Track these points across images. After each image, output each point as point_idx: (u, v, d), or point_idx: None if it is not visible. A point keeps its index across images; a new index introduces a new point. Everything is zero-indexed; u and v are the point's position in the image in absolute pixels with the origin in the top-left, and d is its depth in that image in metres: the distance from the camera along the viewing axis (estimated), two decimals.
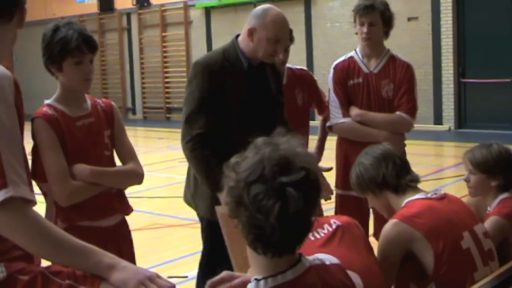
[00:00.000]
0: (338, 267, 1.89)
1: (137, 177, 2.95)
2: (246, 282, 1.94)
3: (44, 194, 2.81)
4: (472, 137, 10.52)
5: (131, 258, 2.93)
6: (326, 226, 2.19)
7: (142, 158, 3.25)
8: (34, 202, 1.78)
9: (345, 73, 3.99)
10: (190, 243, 5.62)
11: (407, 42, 12.34)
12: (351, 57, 4.03)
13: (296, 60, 9.70)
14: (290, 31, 3.64)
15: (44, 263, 1.97)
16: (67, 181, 2.71)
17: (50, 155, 2.71)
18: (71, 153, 2.75)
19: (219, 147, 3.12)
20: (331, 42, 14.00)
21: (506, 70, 12.05)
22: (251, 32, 3.20)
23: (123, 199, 3.00)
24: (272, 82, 3.41)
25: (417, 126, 4.25)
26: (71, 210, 2.74)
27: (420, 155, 9.48)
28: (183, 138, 3.21)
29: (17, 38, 1.93)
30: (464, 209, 2.60)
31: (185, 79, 17.12)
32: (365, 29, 3.87)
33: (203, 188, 3.27)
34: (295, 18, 12.96)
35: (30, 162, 2.24)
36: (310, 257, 1.82)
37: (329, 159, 4.06)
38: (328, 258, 1.89)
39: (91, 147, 2.83)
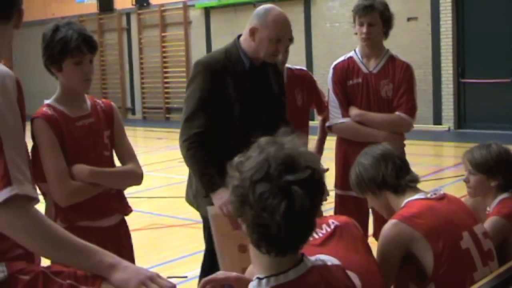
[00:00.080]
0: (339, 268, 1.90)
1: (136, 177, 2.96)
2: (242, 279, 1.95)
3: (44, 194, 2.81)
4: (471, 137, 10.52)
5: (130, 258, 2.93)
6: (324, 226, 2.19)
7: (141, 158, 3.25)
8: (37, 200, 1.80)
9: (345, 73, 3.99)
10: (190, 243, 5.62)
11: (407, 42, 12.34)
12: (351, 57, 4.04)
13: (295, 60, 9.70)
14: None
15: (44, 262, 1.97)
16: (67, 181, 2.71)
17: (50, 155, 2.71)
18: (71, 153, 2.76)
19: (220, 147, 3.13)
20: (331, 42, 14.00)
21: (506, 70, 12.06)
22: (252, 32, 3.20)
23: (123, 199, 3.00)
24: (274, 82, 3.42)
25: (416, 126, 4.25)
26: (70, 210, 2.74)
27: (419, 155, 9.48)
28: (181, 137, 3.22)
29: (17, 38, 1.94)
30: (463, 209, 2.60)
31: (184, 79, 17.13)
32: (364, 29, 3.87)
33: None
34: (294, 18, 12.94)
35: None
36: (312, 258, 1.83)
37: (328, 159, 4.06)
38: (330, 259, 1.90)
39: (91, 147, 2.83)
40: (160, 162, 10.62)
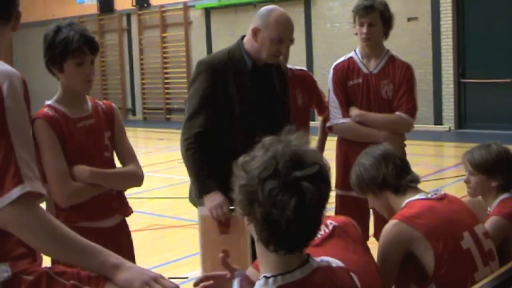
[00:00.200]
0: (344, 269, 1.90)
1: (137, 178, 2.96)
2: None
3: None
4: (472, 137, 10.52)
5: (131, 259, 2.92)
6: (322, 227, 2.19)
7: (142, 159, 3.26)
8: (45, 197, 1.83)
9: (345, 73, 3.99)
10: (191, 244, 5.61)
11: (407, 42, 12.34)
12: (351, 58, 4.04)
13: (296, 60, 9.70)
14: None
15: (45, 262, 1.98)
16: (67, 182, 2.72)
17: (50, 156, 2.71)
18: (71, 154, 2.76)
19: (220, 146, 3.14)
20: (331, 42, 14.00)
21: (506, 70, 12.05)
22: (255, 32, 3.22)
23: (123, 200, 3.00)
24: (277, 83, 3.42)
25: (417, 127, 4.25)
26: (71, 211, 2.75)
27: (420, 156, 9.48)
28: (182, 135, 3.25)
29: (17, 38, 1.96)
30: (464, 209, 2.60)
31: (185, 80, 17.11)
32: (364, 30, 3.87)
33: None
34: (295, 19, 12.84)
35: None
36: (317, 259, 1.84)
37: (329, 160, 4.05)
38: (334, 261, 1.91)
39: (91, 148, 2.84)
40: (160, 162, 10.62)
